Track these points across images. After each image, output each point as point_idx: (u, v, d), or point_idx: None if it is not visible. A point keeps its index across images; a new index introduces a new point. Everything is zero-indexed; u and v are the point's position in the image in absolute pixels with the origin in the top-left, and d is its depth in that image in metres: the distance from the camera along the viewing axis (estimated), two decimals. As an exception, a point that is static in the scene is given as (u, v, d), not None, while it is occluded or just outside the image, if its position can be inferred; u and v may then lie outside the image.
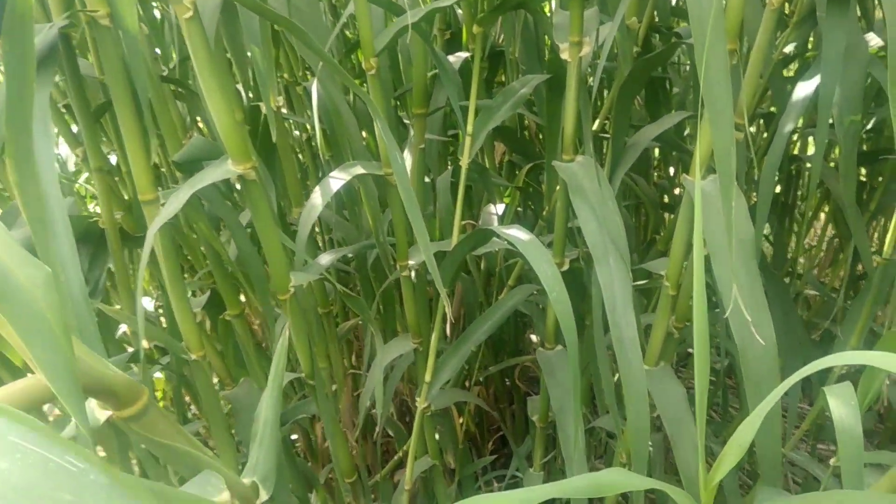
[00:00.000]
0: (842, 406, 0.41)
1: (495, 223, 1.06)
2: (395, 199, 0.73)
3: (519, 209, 1.17)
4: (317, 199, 0.67)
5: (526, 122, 1.16)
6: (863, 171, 1.09)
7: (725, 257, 0.57)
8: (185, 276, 1.11)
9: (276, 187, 0.88)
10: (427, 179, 1.00)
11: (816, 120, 0.71)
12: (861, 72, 0.74)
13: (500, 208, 1.09)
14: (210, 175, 0.54)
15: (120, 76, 0.57)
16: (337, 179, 0.68)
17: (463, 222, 1.16)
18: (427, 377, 0.76)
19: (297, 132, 1.23)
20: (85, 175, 1.29)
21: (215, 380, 0.81)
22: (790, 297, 0.90)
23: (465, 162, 0.73)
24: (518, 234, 0.64)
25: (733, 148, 0.53)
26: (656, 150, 1.28)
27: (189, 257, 1.03)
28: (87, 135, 0.69)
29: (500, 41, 1.07)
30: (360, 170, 0.69)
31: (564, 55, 0.68)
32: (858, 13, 0.87)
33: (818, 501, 0.41)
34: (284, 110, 0.97)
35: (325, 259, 0.79)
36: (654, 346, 0.74)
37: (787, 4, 0.90)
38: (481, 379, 1.28)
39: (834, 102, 0.72)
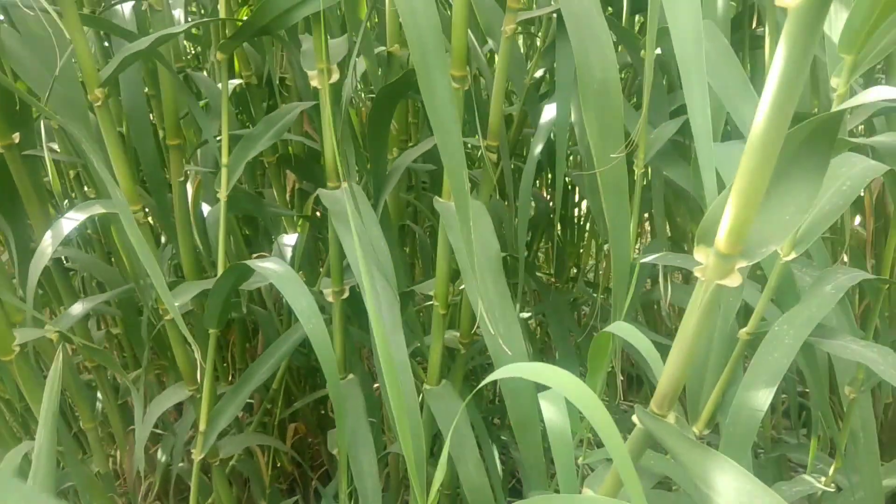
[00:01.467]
0: (553, 412, 0.43)
1: (288, 254, 1.03)
2: (149, 238, 0.68)
3: (321, 236, 1.15)
4: (47, 244, 0.60)
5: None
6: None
7: (471, 275, 0.59)
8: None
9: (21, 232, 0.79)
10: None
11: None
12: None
13: (292, 238, 1.06)
14: None
15: None
16: (71, 220, 0.62)
17: (255, 255, 1.12)
18: (202, 426, 0.71)
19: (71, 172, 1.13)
20: None
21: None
22: (567, 303, 0.96)
23: (223, 194, 0.70)
24: (274, 266, 0.62)
25: (464, 168, 0.54)
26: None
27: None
28: None
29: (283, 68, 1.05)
30: (98, 209, 0.63)
31: (314, 82, 0.67)
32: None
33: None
34: (56, 147, 0.87)
35: (79, 308, 0.72)
36: (433, 365, 0.75)
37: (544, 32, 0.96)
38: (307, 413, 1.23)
39: (575, 122, 0.78)
